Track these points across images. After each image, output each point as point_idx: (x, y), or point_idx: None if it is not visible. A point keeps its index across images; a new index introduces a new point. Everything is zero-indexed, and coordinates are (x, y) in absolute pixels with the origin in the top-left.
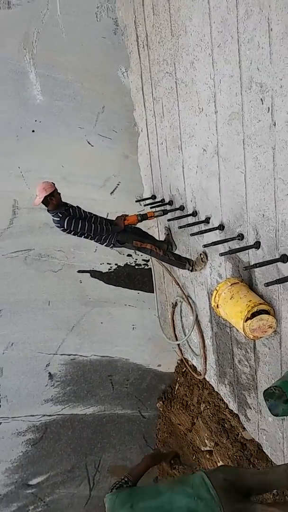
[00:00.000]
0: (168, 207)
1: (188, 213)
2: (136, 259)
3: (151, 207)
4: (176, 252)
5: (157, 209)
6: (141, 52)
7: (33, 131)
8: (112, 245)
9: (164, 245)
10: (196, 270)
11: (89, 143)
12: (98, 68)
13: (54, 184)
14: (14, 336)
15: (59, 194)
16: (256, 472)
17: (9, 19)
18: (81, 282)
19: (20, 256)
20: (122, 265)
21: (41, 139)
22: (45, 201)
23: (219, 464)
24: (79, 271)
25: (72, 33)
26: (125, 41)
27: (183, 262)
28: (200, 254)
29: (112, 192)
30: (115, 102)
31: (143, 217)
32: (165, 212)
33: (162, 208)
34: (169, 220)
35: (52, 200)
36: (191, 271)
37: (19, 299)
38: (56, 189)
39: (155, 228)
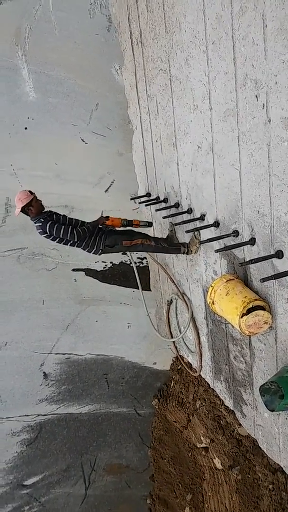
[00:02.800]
0: (159, 205)
1: (183, 210)
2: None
3: (146, 205)
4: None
5: (143, 220)
6: (135, 49)
7: (25, 128)
8: (100, 251)
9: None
10: (191, 251)
11: (83, 141)
12: (91, 65)
13: (31, 192)
14: (8, 336)
15: (39, 201)
16: None
17: (0, 15)
18: (75, 281)
19: (13, 255)
20: (117, 263)
21: (34, 136)
22: (24, 211)
23: (214, 461)
24: (73, 270)
25: (65, 30)
26: (118, 38)
27: (177, 247)
28: (194, 233)
29: (106, 190)
30: (109, 99)
31: (129, 223)
32: (150, 224)
33: (148, 220)
34: (164, 217)
35: (31, 210)
36: (187, 253)
37: (13, 298)
38: (34, 198)
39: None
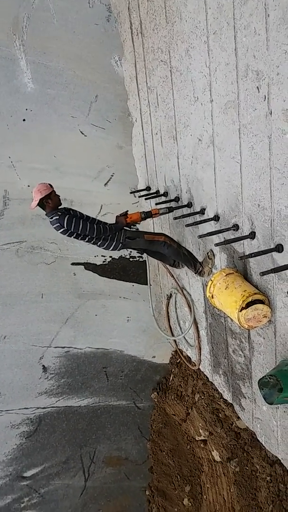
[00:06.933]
0: (159, 199)
1: (183, 204)
2: (131, 252)
3: (145, 199)
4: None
5: (163, 206)
6: (135, 40)
7: (24, 120)
8: (120, 244)
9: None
10: (203, 272)
11: (82, 133)
12: (91, 56)
13: (51, 185)
14: (7, 329)
15: (58, 196)
16: None
17: None
18: (75, 275)
19: (12, 248)
20: (117, 258)
21: (32, 128)
22: (42, 204)
23: (213, 453)
24: (73, 264)
25: (64, 19)
26: (118, 28)
27: (195, 261)
28: (207, 253)
29: (106, 184)
30: (109, 91)
31: (147, 214)
32: (170, 209)
33: (167, 205)
34: (160, 210)
35: (49, 203)
36: (199, 273)
37: (12, 292)
38: (53, 191)
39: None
